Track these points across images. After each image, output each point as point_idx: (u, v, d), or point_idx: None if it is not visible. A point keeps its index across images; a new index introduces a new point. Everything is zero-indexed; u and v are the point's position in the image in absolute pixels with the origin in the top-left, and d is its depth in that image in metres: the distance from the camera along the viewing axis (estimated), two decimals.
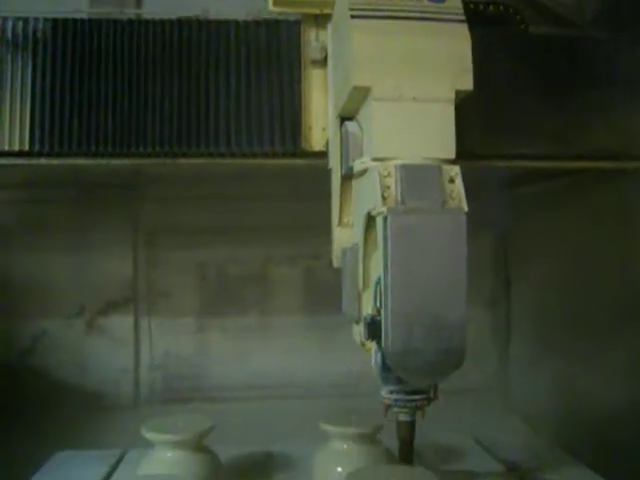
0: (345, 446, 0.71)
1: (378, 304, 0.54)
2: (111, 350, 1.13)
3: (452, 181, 0.51)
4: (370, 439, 0.71)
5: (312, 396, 1.13)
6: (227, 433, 0.74)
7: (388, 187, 0.51)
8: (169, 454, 0.69)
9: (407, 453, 0.59)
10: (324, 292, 1.12)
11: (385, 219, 0.49)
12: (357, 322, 0.60)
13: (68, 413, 1.01)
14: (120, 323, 1.13)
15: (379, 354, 0.54)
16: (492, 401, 1.11)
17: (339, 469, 0.68)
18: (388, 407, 0.57)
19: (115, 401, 1.11)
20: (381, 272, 0.51)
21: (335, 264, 0.66)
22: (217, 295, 1.16)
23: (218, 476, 0.71)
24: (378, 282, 0.53)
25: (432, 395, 0.56)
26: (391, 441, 0.71)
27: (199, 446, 0.70)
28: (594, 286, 0.84)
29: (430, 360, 0.49)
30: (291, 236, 1.12)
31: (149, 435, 0.69)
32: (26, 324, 1.10)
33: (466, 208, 0.50)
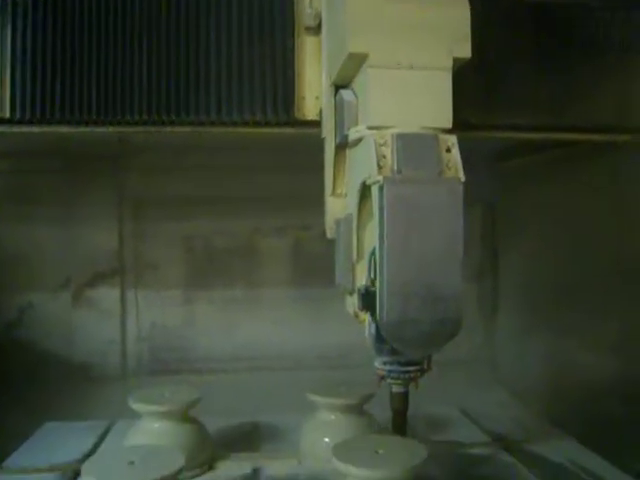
0: (333, 417, 0.71)
1: (372, 275, 0.53)
2: (98, 322, 1.12)
3: (449, 151, 0.51)
4: (358, 410, 0.72)
5: (301, 368, 1.13)
6: (214, 404, 0.74)
7: (384, 156, 0.50)
8: (156, 425, 0.69)
9: (400, 424, 0.59)
10: (313, 264, 1.12)
11: (381, 188, 0.49)
12: (351, 293, 0.60)
13: (55, 385, 1.01)
14: (107, 295, 1.12)
15: (373, 325, 0.54)
16: (478, 373, 1.12)
17: (326, 439, 0.69)
18: (382, 378, 0.57)
19: (102, 373, 1.11)
20: (376, 242, 0.50)
21: (328, 235, 0.65)
22: (204, 267, 1.15)
23: (205, 447, 0.71)
24: (373, 253, 0.53)
25: (426, 366, 0.56)
26: (382, 412, 0.72)
27: (186, 417, 0.71)
28: (584, 259, 0.84)
29: (425, 331, 0.49)
30: (279, 207, 1.10)
31: (136, 406, 0.69)
32: (12, 296, 1.09)
33: (463, 178, 0.50)
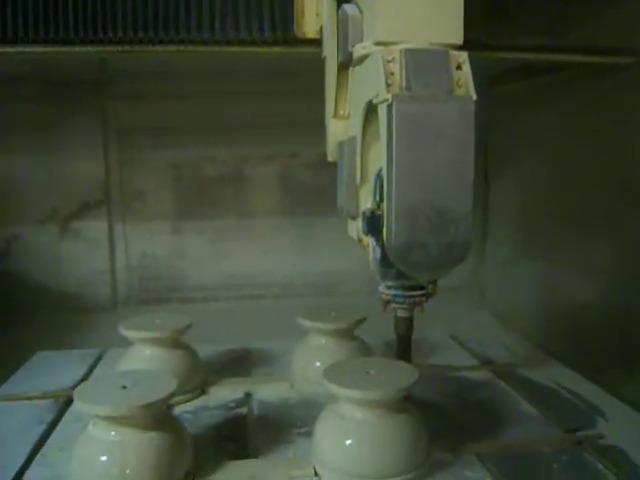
0: (323, 341, 0.72)
1: (378, 198, 0.52)
2: (87, 252, 1.10)
3: (459, 68, 0.48)
4: (349, 334, 0.72)
5: (291, 295, 1.14)
6: (206, 332, 0.74)
7: (392, 73, 0.47)
8: (148, 351, 0.69)
9: (405, 349, 0.58)
10: (302, 192, 1.10)
11: (390, 107, 0.46)
12: (354, 217, 0.58)
13: (45, 315, 1.00)
14: (94, 225, 1.10)
15: (378, 249, 0.53)
16: (468, 300, 1.13)
17: (318, 363, 0.69)
18: (387, 303, 0.56)
19: (93, 303, 1.10)
20: (383, 164, 0.48)
21: (330, 158, 0.63)
22: (193, 196, 1.12)
23: (197, 372, 0.72)
24: (379, 175, 0.51)
25: (430, 291, 0.56)
26: (374, 337, 0.72)
27: (178, 343, 0.71)
28: (577, 187, 0.84)
29: (434, 254, 0.47)
30: (268, 134, 1.07)
31: (127, 333, 0.69)
32: None
33: (474, 96, 0.47)
